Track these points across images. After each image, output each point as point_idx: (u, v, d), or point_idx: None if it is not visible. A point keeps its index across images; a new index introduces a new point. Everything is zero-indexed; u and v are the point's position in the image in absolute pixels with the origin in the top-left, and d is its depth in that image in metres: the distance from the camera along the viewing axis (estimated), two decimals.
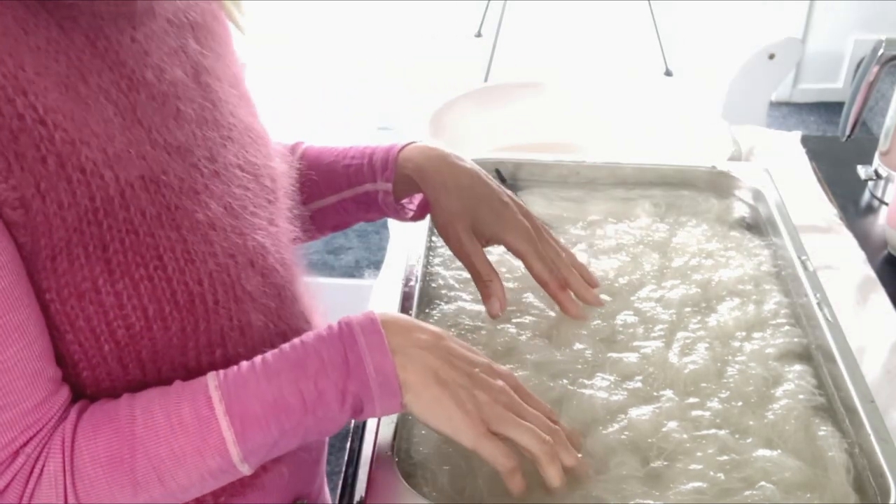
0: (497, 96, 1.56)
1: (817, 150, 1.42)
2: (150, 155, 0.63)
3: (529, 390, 0.73)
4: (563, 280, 0.88)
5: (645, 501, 0.72)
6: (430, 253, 1.02)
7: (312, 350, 0.65)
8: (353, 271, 2.66)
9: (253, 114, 0.78)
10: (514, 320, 0.91)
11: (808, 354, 0.88)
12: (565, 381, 0.83)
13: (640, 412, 0.80)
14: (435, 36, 3.30)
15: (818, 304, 0.90)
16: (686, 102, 1.55)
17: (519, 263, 0.91)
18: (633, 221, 1.08)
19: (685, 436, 0.77)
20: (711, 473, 0.74)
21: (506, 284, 0.95)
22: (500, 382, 0.69)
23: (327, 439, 0.87)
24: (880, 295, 1.10)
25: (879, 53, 1.25)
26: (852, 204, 1.32)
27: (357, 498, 0.79)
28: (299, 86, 3.29)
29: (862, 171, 1.36)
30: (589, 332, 0.89)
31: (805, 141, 1.45)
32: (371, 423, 0.88)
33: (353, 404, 0.65)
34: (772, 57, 2.69)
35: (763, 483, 0.73)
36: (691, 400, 0.82)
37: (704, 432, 0.78)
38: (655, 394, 0.82)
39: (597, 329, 0.90)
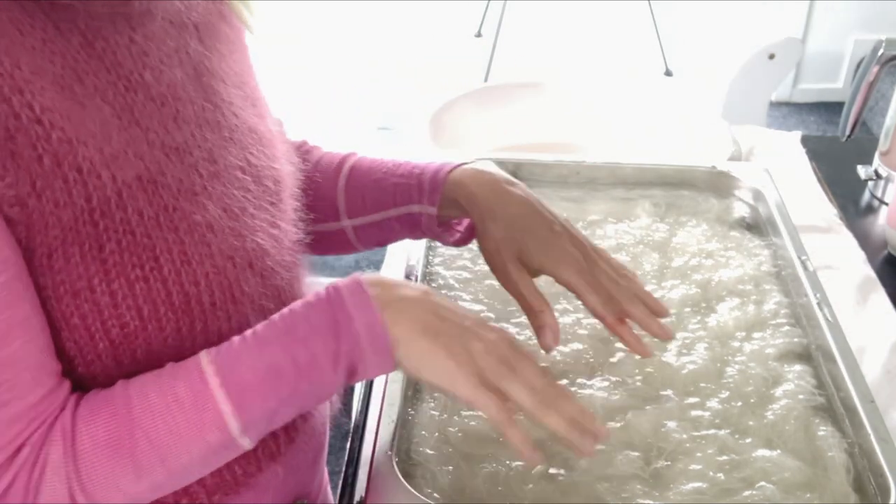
0: (497, 96, 1.56)
1: (817, 150, 1.42)
2: (148, 156, 0.63)
3: (520, 345, 0.70)
4: (621, 313, 0.80)
5: (645, 501, 0.72)
6: (430, 253, 1.02)
7: (301, 316, 0.65)
8: (353, 271, 2.66)
9: (260, 115, 0.77)
10: (513, 320, 0.91)
11: (808, 354, 0.88)
12: (565, 381, 0.83)
13: (640, 412, 0.80)
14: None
15: (818, 304, 0.90)
16: (686, 102, 1.55)
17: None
18: (633, 221, 1.08)
19: (685, 436, 0.77)
20: (711, 473, 0.74)
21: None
22: (492, 335, 0.68)
23: (327, 436, 0.87)
24: (880, 295, 1.10)
25: (879, 53, 1.25)
26: (852, 204, 1.32)
27: (357, 498, 0.79)
28: (299, 86, 3.29)
29: (862, 171, 1.35)
30: (589, 333, 0.89)
31: (805, 141, 1.45)
32: (371, 423, 0.88)
33: (347, 366, 0.64)
34: (772, 57, 2.69)
35: (763, 483, 0.73)
36: (691, 400, 0.82)
37: (704, 432, 0.78)
38: (655, 394, 0.82)
39: (597, 329, 0.90)
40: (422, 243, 1.00)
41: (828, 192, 1.32)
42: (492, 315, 0.92)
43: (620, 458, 0.75)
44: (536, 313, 0.79)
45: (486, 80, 3.18)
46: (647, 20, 3.24)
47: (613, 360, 0.86)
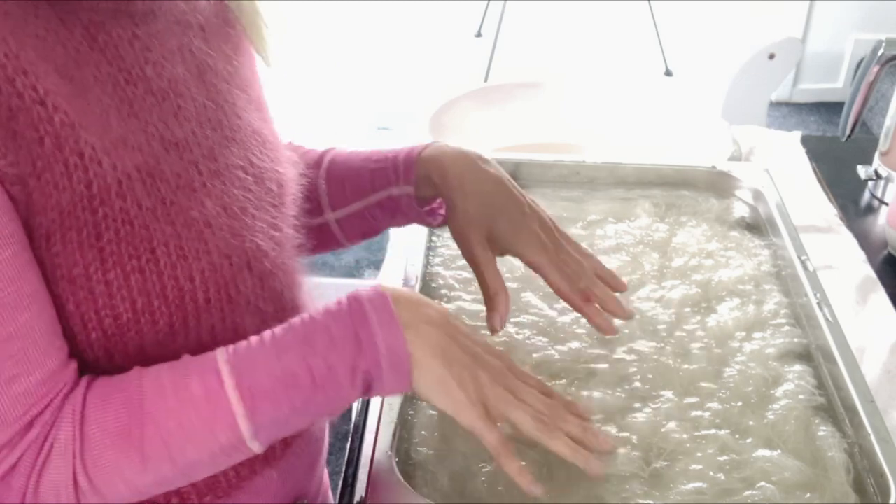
0: (497, 96, 1.56)
1: (817, 150, 1.42)
2: (147, 148, 0.63)
3: (522, 369, 0.73)
4: (586, 293, 0.83)
5: (645, 501, 0.72)
6: (430, 253, 1.02)
7: (322, 326, 0.64)
8: (353, 271, 2.66)
9: (264, 119, 0.77)
10: (513, 319, 0.91)
11: (808, 354, 0.88)
12: (564, 381, 0.83)
13: (640, 412, 0.80)
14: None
15: (818, 304, 0.90)
16: (686, 102, 1.55)
17: (520, 263, 0.91)
18: (633, 221, 1.08)
19: (685, 436, 0.77)
20: (711, 474, 0.74)
21: (506, 284, 0.95)
22: (498, 363, 0.70)
23: (325, 442, 0.87)
24: (880, 295, 1.10)
25: (879, 53, 1.25)
26: (852, 204, 1.32)
27: (357, 498, 0.79)
28: (299, 85, 3.29)
29: (862, 171, 1.36)
30: (588, 332, 0.89)
31: (805, 141, 1.45)
32: (371, 423, 0.88)
33: (364, 381, 0.64)
34: (772, 57, 2.69)
35: (763, 483, 0.73)
36: (691, 400, 0.82)
37: (704, 432, 0.78)
38: (655, 394, 0.82)
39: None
40: (422, 244, 1.00)
41: (828, 192, 1.32)
42: None
43: (620, 458, 0.75)
44: (492, 296, 0.82)
45: (486, 80, 3.18)
46: (647, 20, 3.23)
47: (613, 360, 0.86)
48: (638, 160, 1.16)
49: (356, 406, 0.93)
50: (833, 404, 0.82)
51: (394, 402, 0.78)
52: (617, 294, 0.86)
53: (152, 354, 0.64)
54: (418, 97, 3.09)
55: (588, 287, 0.83)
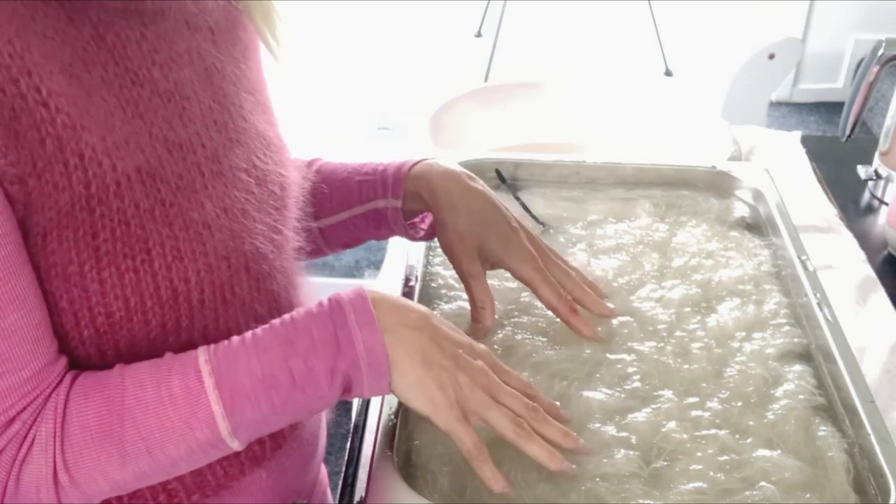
0: (497, 96, 1.56)
1: (817, 150, 1.42)
2: (149, 149, 0.64)
3: (505, 366, 0.74)
4: (572, 303, 0.87)
5: (645, 501, 0.72)
6: (430, 253, 1.02)
7: (303, 327, 0.65)
8: (353, 271, 2.66)
9: (270, 122, 0.78)
10: (512, 320, 0.91)
11: (808, 354, 0.88)
12: (564, 381, 0.83)
13: (640, 412, 0.80)
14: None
15: (818, 304, 0.90)
16: (686, 102, 1.55)
17: None
18: (633, 221, 1.08)
19: (685, 436, 0.77)
20: (711, 474, 0.74)
21: (505, 284, 0.95)
22: (479, 363, 0.70)
23: (321, 442, 0.87)
24: (880, 295, 1.10)
25: (879, 53, 1.25)
26: (852, 204, 1.32)
27: (357, 498, 0.79)
28: (299, 85, 3.28)
29: (862, 171, 1.36)
30: None
31: (805, 141, 1.45)
32: (371, 423, 0.88)
33: (343, 383, 0.65)
34: (772, 57, 2.69)
35: (763, 483, 0.73)
36: (691, 400, 0.81)
37: (704, 432, 0.78)
38: (655, 394, 0.82)
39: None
40: (422, 244, 1.00)
41: (828, 192, 1.32)
42: None
43: (620, 458, 0.75)
44: (478, 308, 0.86)
45: (486, 80, 3.17)
46: (647, 20, 3.23)
47: (612, 360, 0.86)
48: (638, 160, 1.16)
49: (356, 406, 0.93)
50: (833, 404, 0.82)
51: (394, 403, 0.78)
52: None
53: (144, 353, 0.65)
54: (418, 97, 3.09)
55: (574, 293, 0.88)
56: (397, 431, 0.75)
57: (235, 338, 0.65)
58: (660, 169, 1.15)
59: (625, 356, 0.86)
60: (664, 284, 0.97)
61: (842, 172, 1.37)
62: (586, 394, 0.82)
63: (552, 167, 1.15)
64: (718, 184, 1.14)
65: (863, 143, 1.42)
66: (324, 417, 0.86)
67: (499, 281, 0.96)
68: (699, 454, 0.76)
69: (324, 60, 3.44)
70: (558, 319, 0.88)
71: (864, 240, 1.21)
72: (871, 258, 1.17)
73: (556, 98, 1.55)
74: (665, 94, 1.90)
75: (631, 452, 0.76)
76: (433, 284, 0.97)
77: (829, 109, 3.62)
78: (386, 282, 1.19)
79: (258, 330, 0.65)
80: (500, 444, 0.77)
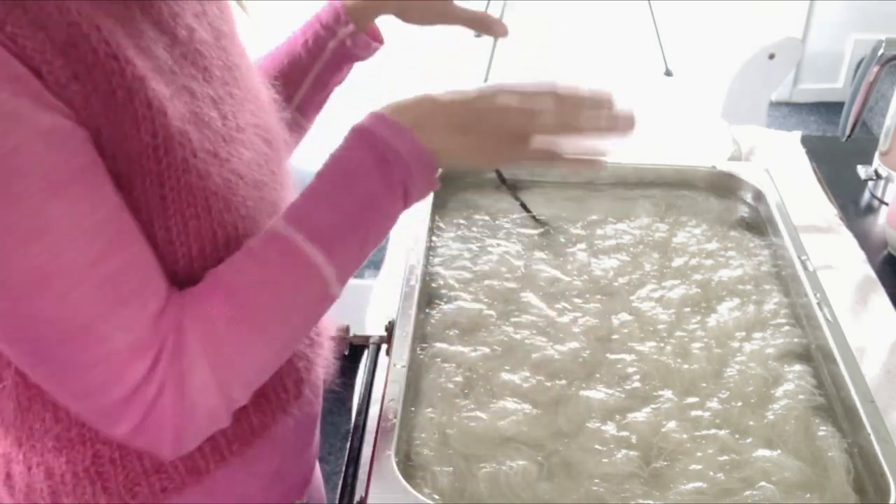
0: None
1: (817, 150, 1.42)
2: (192, 102, 0.67)
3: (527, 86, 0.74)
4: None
5: (645, 501, 0.72)
6: (430, 253, 1.02)
7: (346, 159, 0.68)
8: None
9: (261, 83, 0.81)
10: (512, 320, 0.91)
11: (808, 354, 0.88)
12: (563, 381, 0.83)
13: (640, 412, 0.80)
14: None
15: (818, 304, 0.90)
16: (686, 102, 1.55)
17: (519, 263, 0.91)
18: (633, 221, 1.08)
19: (685, 436, 0.77)
20: (711, 473, 0.74)
21: (505, 284, 0.95)
22: (501, 96, 0.71)
23: (315, 445, 0.88)
24: (880, 295, 1.10)
25: (879, 53, 1.25)
26: (852, 204, 1.32)
27: (357, 498, 0.79)
28: None
29: (862, 171, 1.36)
30: (587, 332, 0.89)
31: (805, 141, 1.45)
32: (371, 424, 0.88)
33: (403, 191, 0.69)
34: (772, 57, 2.69)
35: (763, 483, 0.73)
36: (691, 400, 0.82)
37: (704, 432, 0.78)
38: (655, 394, 0.82)
39: (595, 328, 0.90)
40: (422, 244, 1.00)
41: (828, 192, 1.32)
42: (492, 313, 0.92)
43: (620, 458, 0.75)
44: (481, 19, 0.90)
45: (486, 80, 3.17)
46: (647, 20, 3.23)
47: (612, 359, 0.86)
48: (638, 160, 1.16)
49: (356, 406, 0.93)
50: (833, 404, 0.82)
51: (394, 403, 0.78)
52: None
53: None
54: None
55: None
56: (397, 431, 0.75)
57: (295, 200, 0.68)
58: (660, 169, 1.15)
59: (625, 356, 0.86)
60: (664, 284, 0.97)
61: (842, 172, 1.37)
62: (586, 394, 0.82)
63: (552, 167, 1.15)
64: (718, 184, 1.14)
65: (863, 143, 1.42)
66: (321, 372, 0.87)
67: (498, 281, 0.96)
68: (699, 454, 0.76)
69: None
70: (558, 320, 0.88)
71: (864, 240, 1.21)
72: (871, 258, 1.17)
73: None
74: (665, 94, 1.90)
75: (631, 452, 0.76)
76: (433, 284, 0.97)
77: (829, 109, 3.62)
78: (386, 282, 1.19)
79: (311, 183, 0.68)
80: (501, 444, 0.77)
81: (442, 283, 0.97)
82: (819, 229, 1.22)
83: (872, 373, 0.97)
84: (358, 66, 0.99)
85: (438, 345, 0.87)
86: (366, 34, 0.95)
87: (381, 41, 0.97)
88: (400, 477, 0.71)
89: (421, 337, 0.89)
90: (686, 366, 0.85)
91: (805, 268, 0.95)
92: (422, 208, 1.05)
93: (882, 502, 0.72)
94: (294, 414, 0.79)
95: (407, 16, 0.92)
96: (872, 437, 0.75)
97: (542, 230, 1.06)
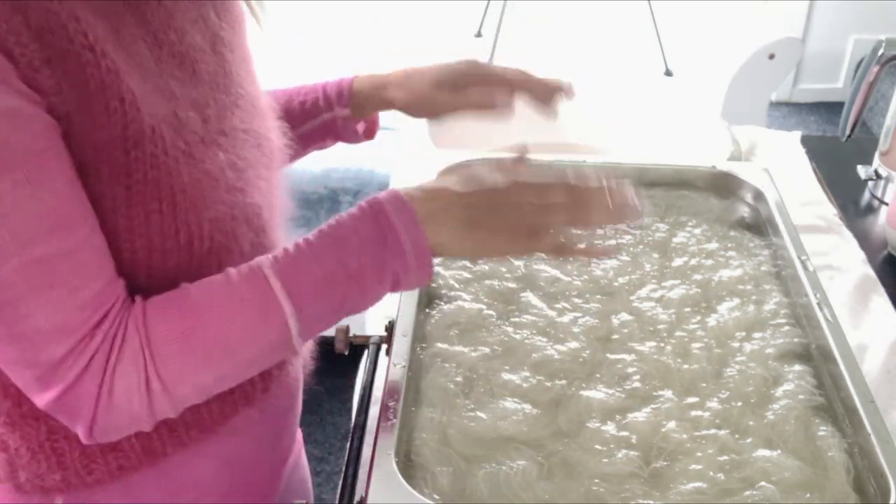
0: None
1: (817, 150, 1.42)
2: (172, 102, 0.68)
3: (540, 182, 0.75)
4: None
5: (645, 501, 0.72)
6: None
7: (350, 228, 0.69)
8: None
9: (259, 90, 0.82)
10: (512, 320, 0.91)
11: (808, 354, 0.88)
12: (563, 381, 0.83)
13: (640, 412, 0.80)
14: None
15: (818, 304, 0.90)
16: (686, 102, 1.55)
17: (520, 262, 0.91)
18: (633, 221, 1.08)
19: (685, 436, 0.77)
20: (711, 473, 0.74)
21: (505, 284, 0.95)
22: (515, 188, 0.73)
23: (300, 393, 0.91)
24: (880, 295, 1.10)
25: (879, 53, 1.25)
26: (852, 204, 1.32)
27: (357, 498, 0.79)
28: (298, 85, 3.28)
29: (862, 171, 1.36)
30: (587, 332, 0.89)
31: (805, 141, 1.45)
32: (371, 424, 0.88)
33: (392, 276, 0.70)
34: (772, 57, 2.69)
35: (763, 483, 0.73)
36: (691, 400, 0.82)
37: (704, 432, 0.78)
38: (655, 394, 0.82)
39: (595, 328, 0.90)
40: None
41: (828, 192, 1.32)
42: (492, 313, 0.92)
43: (620, 458, 0.75)
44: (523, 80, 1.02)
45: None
46: (647, 20, 3.23)
47: (612, 359, 0.86)
48: (638, 160, 1.16)
49: (356, 406, 0.93)
50: (833, 404, 0.82)
51: (394, 403, 0.78)
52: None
53: (162, 288, 0.68)
54: None
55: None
56: (397, 431, 0.75)
57: (288, 246, 0.69)
58: (660, 169, 1.15)
59: (625, 356, 0.86)
60: (664, 284, 0.97)
61: (842, 172, 1.37)
62: (586, 394, 0.82)
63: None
64: (718, 184, 1.13)
65: (863, 143, 1.42)
66: (301, 370, 0.89)
67: (498, 281, 0.96)
68: (699, 454, 0.76)
69: (324, 60, 3.44)
70: (558, 320, 0.88)
71: (864, 240, 1.21)
72: (871, 258, 1.17)
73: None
74: (665, 94, 1.90)
75: (631, 452, 0.76)
76: (433, 284, 0.97)
77: (829, 109, 3.62)
78: None
79: (309, 236, 0.69)
80: (501, 444, 0.77)
81: (442, 283, 0.97)
82: (819, 229, 1.22)
83: (872, 373, 0.97)
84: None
85: (438, 345, 0.87)
86: (365, 120, 0.98)
87: (372, 136, 1.00)
88: (400, 477, 0.71)
89: (421, 337, 0.89)
90: (686, 366, 0.85)
91: (805, 268, 0.95)
92: None
93: (882, 502, 0.72)
94: (260, 407, 0.81)
95: (415, 112, 0.95)
96: (872, 437, 0.75)
97: None
